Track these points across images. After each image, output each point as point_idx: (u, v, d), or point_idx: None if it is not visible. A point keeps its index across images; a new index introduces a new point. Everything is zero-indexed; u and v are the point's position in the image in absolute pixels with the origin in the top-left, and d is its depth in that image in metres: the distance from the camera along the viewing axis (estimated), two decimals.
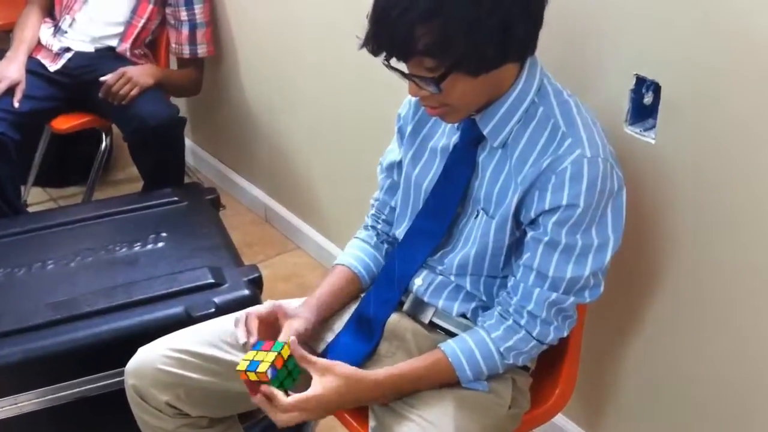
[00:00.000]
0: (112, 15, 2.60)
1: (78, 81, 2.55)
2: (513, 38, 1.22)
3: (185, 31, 2.64)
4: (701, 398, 1.60)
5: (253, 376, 1.28)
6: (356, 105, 2.30)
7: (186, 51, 2.67)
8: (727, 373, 1.54)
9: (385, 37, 1.21)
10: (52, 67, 2.56)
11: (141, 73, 2.49)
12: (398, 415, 1.35)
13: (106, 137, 2.73)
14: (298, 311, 1.43)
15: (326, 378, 1.29)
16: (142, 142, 2.44)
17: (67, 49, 2.58)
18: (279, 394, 1.28)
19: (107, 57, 2.59)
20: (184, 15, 2.62)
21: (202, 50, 2.69)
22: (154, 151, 2.45)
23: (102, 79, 2.44)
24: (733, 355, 1.51)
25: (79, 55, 2.58)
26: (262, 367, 1.27)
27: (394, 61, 1.24)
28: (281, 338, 1.35)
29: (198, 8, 2.63)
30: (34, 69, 2.54)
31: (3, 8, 3.08)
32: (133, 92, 2.43)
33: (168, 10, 2.63)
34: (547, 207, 1.28)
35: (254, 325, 1.37)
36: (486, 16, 1.18)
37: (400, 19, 1.18)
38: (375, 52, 1.24)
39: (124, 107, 2.43)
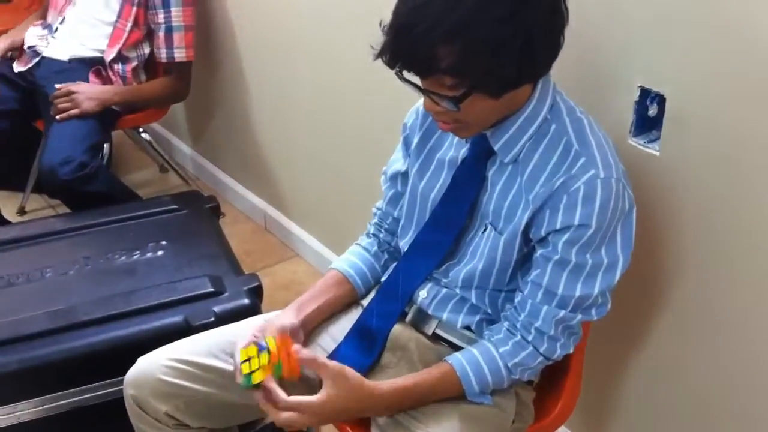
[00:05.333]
0: (99, 16, 2.58)
1: (36, 89, 2.55)
2: (535, 60, 1.22)
3: (161, 33, 2.58)
4: (704, 412, 1.60)
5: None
6: (356, 113, 2.30)
7: (162, 54, 2.61)
8: (732, 387, 1.53)
9: (405, 53, 1.20)
10: (18, 68, 2.59)
11: (88, 96, 2.44)
12: (403, 428, 1.34)
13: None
14: (279, 317, 1.43)
15: (337, 385, 1.27)
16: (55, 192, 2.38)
17: (36, 53, 2.59)
18: (278, 390, 1.27)
19: (75, 70, 2.55)
20: (161, 17, 2.56)
21: (179, 54, 2.61)
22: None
23: (56, 85, 2.44)
24: (739, 370, 1.51)
25: (48, 63, 2.57)
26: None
27: (408, 74, 1.23)
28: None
29: (175, 11, 2.56)
30: (3, 72, 2.58)
31: (2, 15, 3.09)
32: (72, 112, 2.39)
33: (149, 14, 2.58)
34: (558, 226, 1.28)
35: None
36: (511, 37, 1.17)
37: (423, 37, 1.16)
38: (391, 65, 1.22)
39: (47, 143, 2.38)
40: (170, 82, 2.68)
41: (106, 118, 2.52)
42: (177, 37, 2.59)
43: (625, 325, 1.67)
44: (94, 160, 2.34)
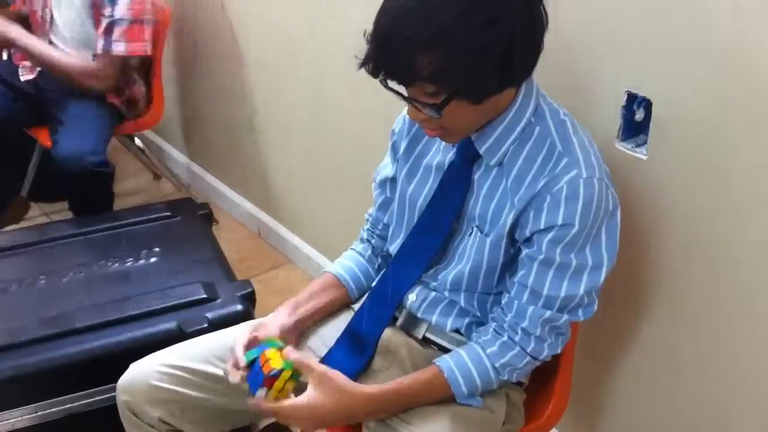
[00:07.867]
0: (78, 36, 2.58)
1: (42, 97, 2.55)
2: (515, 66, 1.23)
3: (104, 25, 2.48)
4: (693, 413, 1.61)
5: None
6: (350, 120, 2.31)
7: (99, 45, 2.49)
8: (719, 390, 1.54)
9: (386, 62, 1.21)
10: (24, 76, 2.59)
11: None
12: (392, 430, 1.34)
13: None
14: (274, 317, 1.45)
15: (322, 387, 1.29)
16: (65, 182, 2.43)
17: None
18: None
19: None
20: (108, 11, 2.47)
21: (118, 48, 2.48)
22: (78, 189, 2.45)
23: None
24: (727, 373, 1.52)
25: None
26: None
27: (392, 83, 1.25)
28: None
29: (122, 4, 2.46)
30: (5, 76, 2.58)
31: None
32: None
33: (100, 10, 2.49)
34: (542, 226, 1.29)
35: (240, 355, 1.36)
36: (490, 45, 1.18)
37: (402, 46, 1.17)
38: (374, 74, 1.24)
39: (65, 134, 2.41)
40: (94, 65, 2.53)
41: (113, 120, 2.57)
42: (117, 31, 2.48)
43: (614, 327, 1.68)
44: (110, 164, 2.41)
